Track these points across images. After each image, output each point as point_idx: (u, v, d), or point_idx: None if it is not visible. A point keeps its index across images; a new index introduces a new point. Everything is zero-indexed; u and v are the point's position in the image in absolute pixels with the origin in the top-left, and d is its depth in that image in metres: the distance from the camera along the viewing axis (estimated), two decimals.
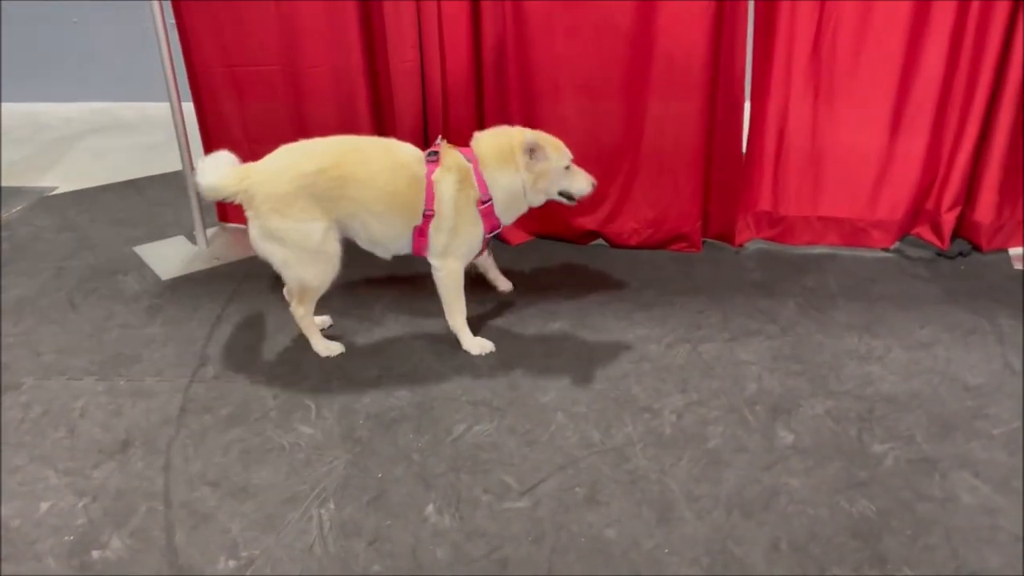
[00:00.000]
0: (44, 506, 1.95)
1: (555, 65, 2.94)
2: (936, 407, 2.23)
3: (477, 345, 2.55)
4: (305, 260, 2.39)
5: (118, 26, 5.26)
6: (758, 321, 2.66)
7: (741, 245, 3.15)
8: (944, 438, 2.10)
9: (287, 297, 2.59)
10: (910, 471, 2.00)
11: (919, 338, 2.54)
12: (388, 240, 2.49)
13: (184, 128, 3.08)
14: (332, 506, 1.93)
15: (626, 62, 2.91)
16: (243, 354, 2.55)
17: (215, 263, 3.13)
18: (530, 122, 3.02)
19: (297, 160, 2.35)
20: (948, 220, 2.99)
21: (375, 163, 2.39)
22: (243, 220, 3.34)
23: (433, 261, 2.49)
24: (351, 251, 2.80)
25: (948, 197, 2.98)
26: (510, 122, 3.02)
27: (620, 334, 2.62)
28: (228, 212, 3.42)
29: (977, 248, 3.03)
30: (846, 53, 2.84)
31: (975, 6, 2.70)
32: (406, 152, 2.45)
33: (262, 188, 2.31)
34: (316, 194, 2.32)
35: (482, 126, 3.09)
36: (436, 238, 2.44)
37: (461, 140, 3.01)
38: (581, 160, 3.08)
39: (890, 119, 2.91)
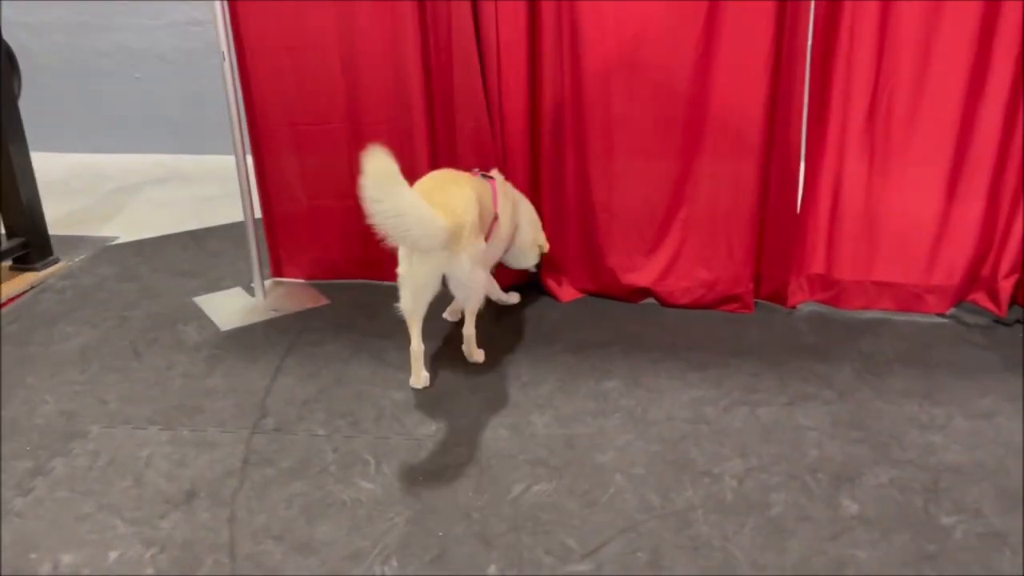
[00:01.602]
0: (113, 555, 1.98)
1: (610, 127, 3.00)
2: (1002, 479, 2.19)
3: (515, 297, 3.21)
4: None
5: (177, 82, 5.46)
6: (815, 385, 2.65)
7: (794, 306, 3.15)
8: (1013, 511, 2.07)
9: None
10: (980, 545, 1.96)
11: (980, 407, 2.51)
12: None
13: (248, 182, 3.16)
14: (395, 563, 1.94)
15: (681, 124, 2.96)
16: (302, 407, 2.59)
17: (272, 315, 3.19)
18: (584, 181, 3.11)
19: (468, 187, 2.59)
20: (1006, 287, 2.97)
21: (479, 185, 2.72)
22: (297, 274, 3.45)
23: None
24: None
25: (1006, 264, 2.96)
26: (565, 181, 3.11)
27: (675, 394, 2.62)
28: (283, 267, 3.49)
29: None
30: (901, 117, 2.86)
31: None
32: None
33: (468, 217, 2.49)
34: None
35: (537, 185, 3.17)
36: (493, 245, 2.80)
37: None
38: (635, 218, 3.14)
39: (946, 184, 2.92)
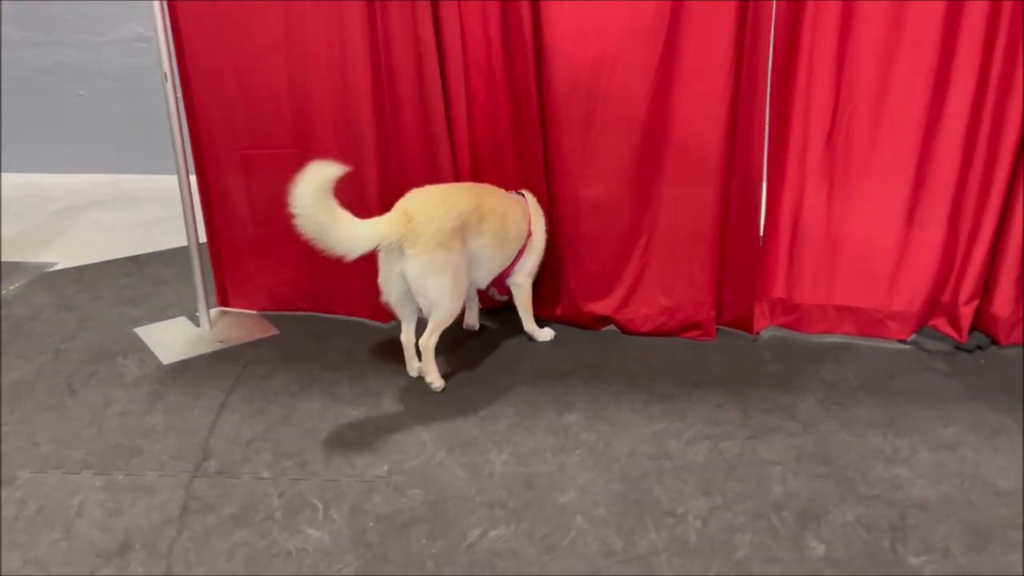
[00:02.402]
0: None
1: (571, 153, 2.93)
2: (969, 515, 2.15)
3: (548, 334, 3.09)
4: (458, 289, 2.66)
5: (123, 99, 5.28)
6: (778, 417, 2.59)
7: (757, 334, 3.10)
8: (981, 550, 2.02)
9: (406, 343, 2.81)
10: None
11: (944, 438, 2.48)
12: (497, 268, 2.87)
13: (192, 205, 3.03)
14: None
15: (641, 151, 2.90)
16: (247, 447, 2.46)
17: (218, 347, 3.05)
18: (543, 208, 3.04)
19: (455, 200, 2.65)
20: (966, 313, 2.95)
21: (503, 201, 2.81)
22: (244, 304, 3.31)
23: (519, 279, 2.97)
24: (358, 336, 2.75)
25: (966, 290, 2.95)
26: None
27: (637, 428, 2.55)
28: (229, 296, 3.34)
29: (995, 341, 2.99)
30: (861, 142, 2.84)
31: (991, 98, 2.71)
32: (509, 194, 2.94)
33: (431, 226, 2.54)
34: (466, 228, 2.64)
35: None
36: (529, 259, 2.93)
37: None
38: (596, 245, 3.07)
39: (905, 210, 2.90)
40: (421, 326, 2.75)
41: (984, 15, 2.62)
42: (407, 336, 2.80)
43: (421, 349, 2.71)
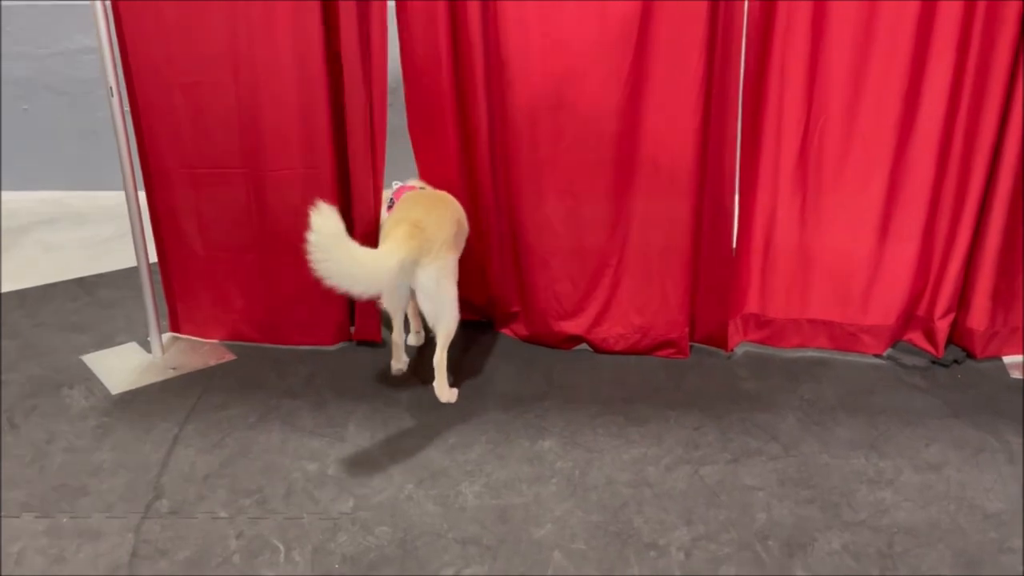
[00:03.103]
0: None
1: (538, 168, 2.83)
2: (958, 540, 2.08)
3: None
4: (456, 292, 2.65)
5: (69, 113, 5.07)
6: (758, 439, 2.51)
7: (731, 350, 3.02)
8: None
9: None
10: None
11: (927, 458, 2.42)
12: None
13: (141, 225, 2.87)
14: None
15: (611, 166, 2.81)
16: (202, 483, 2.31)
17: (171, 374, 2.89)
18: (513, 225, 2.94)
19: (452, 206, 2.76)
20: (942, 327, 2.91)
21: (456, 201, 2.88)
22: (195, 331, 3.13)
23: None
24: (317, 362, 2.62)
25: (941, 303, 2.91)
26: (491, 225, 2.95)
27: (614, 453, 2.45)
28: (180, 323, 3.17)
29: (971, 355, 2.96)
30: (833, 155, 2.78)
31: (964, 111, 2.68)
32: None
33: (440, 234, 2.56)
34: (458, 231, 2.72)
35: None
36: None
37: None
38: (566, 263, 2.97)
39: (879, 222, 2.85)
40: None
41: (957, 25, 2.58)
42: (398, 334, 2.81)
43: (436, 367, 2.65)
